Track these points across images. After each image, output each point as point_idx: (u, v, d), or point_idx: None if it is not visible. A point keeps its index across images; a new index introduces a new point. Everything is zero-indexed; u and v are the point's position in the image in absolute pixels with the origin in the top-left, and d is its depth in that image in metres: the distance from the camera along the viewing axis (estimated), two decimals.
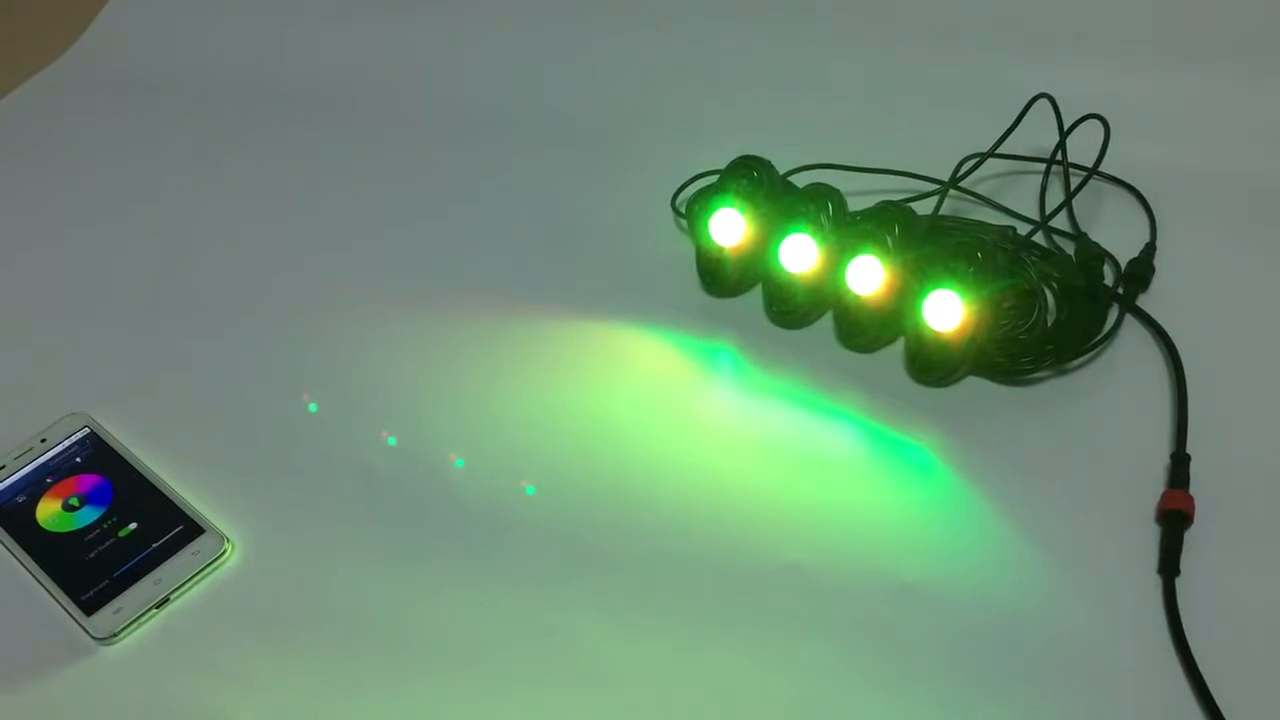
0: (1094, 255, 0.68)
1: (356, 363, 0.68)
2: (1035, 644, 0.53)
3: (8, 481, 0.62)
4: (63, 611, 0.56)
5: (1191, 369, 0.62)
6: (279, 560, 0.58)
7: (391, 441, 0.63)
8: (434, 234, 0.77)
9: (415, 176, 0.82)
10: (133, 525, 0.59)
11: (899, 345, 0.66)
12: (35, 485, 0.61)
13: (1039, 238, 0.70)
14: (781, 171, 0.69)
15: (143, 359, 0.69)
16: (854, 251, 0.63)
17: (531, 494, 0.60)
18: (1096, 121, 0.67)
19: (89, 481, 0.61)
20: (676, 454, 0.62)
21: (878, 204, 0.65)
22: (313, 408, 0.65)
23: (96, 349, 0.70)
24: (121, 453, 0.63)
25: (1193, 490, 0.57)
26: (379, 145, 0.85)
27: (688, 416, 0.64)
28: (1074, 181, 0.70)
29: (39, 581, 0.57)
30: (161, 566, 0.57)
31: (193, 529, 0.59)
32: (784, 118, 0.81)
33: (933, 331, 0.61)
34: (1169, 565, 0.54)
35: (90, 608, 0.56)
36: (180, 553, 0.58)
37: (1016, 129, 0.68)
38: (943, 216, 0.68)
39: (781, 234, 0.65)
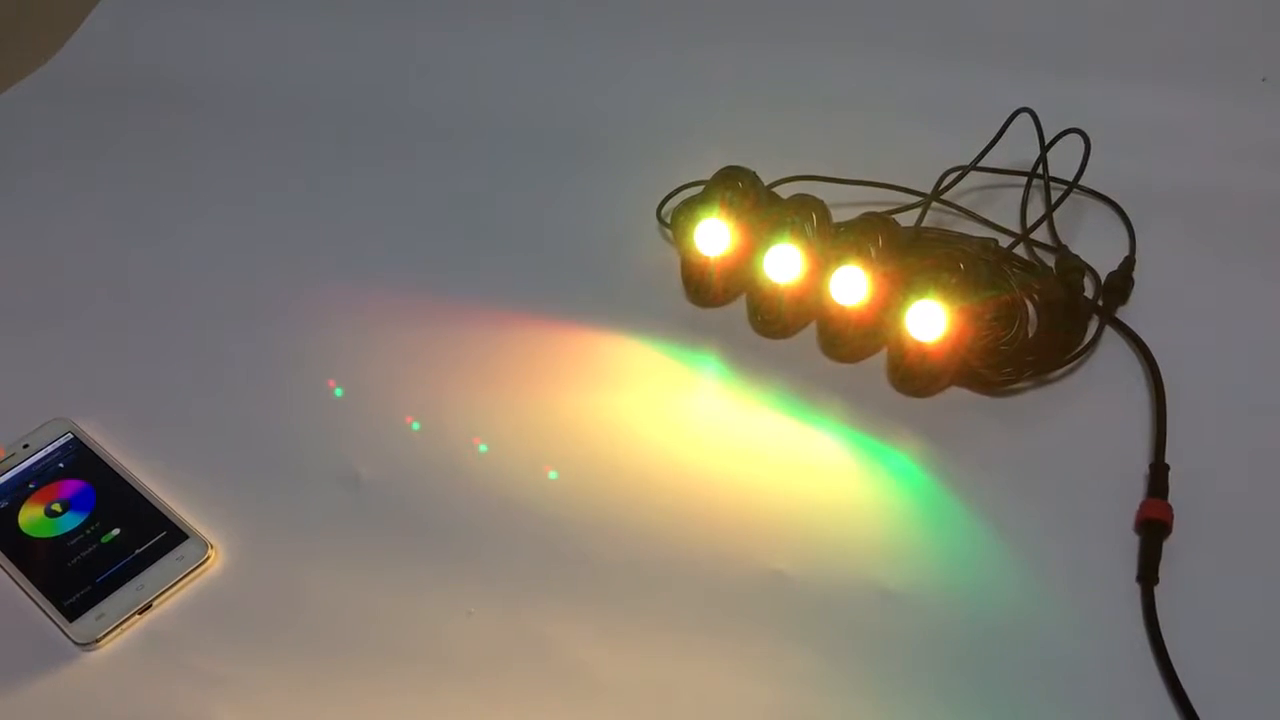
0: (1074, 268, 0.69)
1: (342, 369, 0.68)
2: (1015, 651, 0.53)
3: None
4: (45, 617, 0.56)
5: (1170, 380, 0.63)
6: (262, 566, 0.58)
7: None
8: (422, 241, 0.77)
9: (402, 184, 0.82)
10: (116, 531, 0.59)
11: (882, 356, 0.66)
12: (18, 490, 0.61)
13: (1020, 250, 0.71)
14: (766, 183, 0.69)
15: (127, 364, 0.69)
16: (838, 262, 0.63)
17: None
18: (1077, 136, 0.68)
19: (72, 487, 0.61)
20: (660, 463, 0.62)
21: (861, 215, 0.66)
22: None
23: (81, 354, 0.69)
24: (105, 458, 0.62)
25: (1171, 499, 0.57)
26: (368, 153, 0.85)
27: (672, 426, 0.64)
28: (1055, 195, 0.71)
29: (21, 587, 0.57)
30: (144, 572, 0.57)
31: (176, 535, 0.59)
32: (769, 129, 0.82)
33: (915, 342, 0.62)
34: (1148, 574, 0.55)
35: (73, 613, 0.55)
36: (163, 559, 0.58)
37: (998, 143, 0.68)
38: (925, 228, 0.68)
39: (766, 245, 0.65)
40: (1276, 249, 0.72)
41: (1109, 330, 0.67)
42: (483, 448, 0.63)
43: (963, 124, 0.70)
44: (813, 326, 0.68)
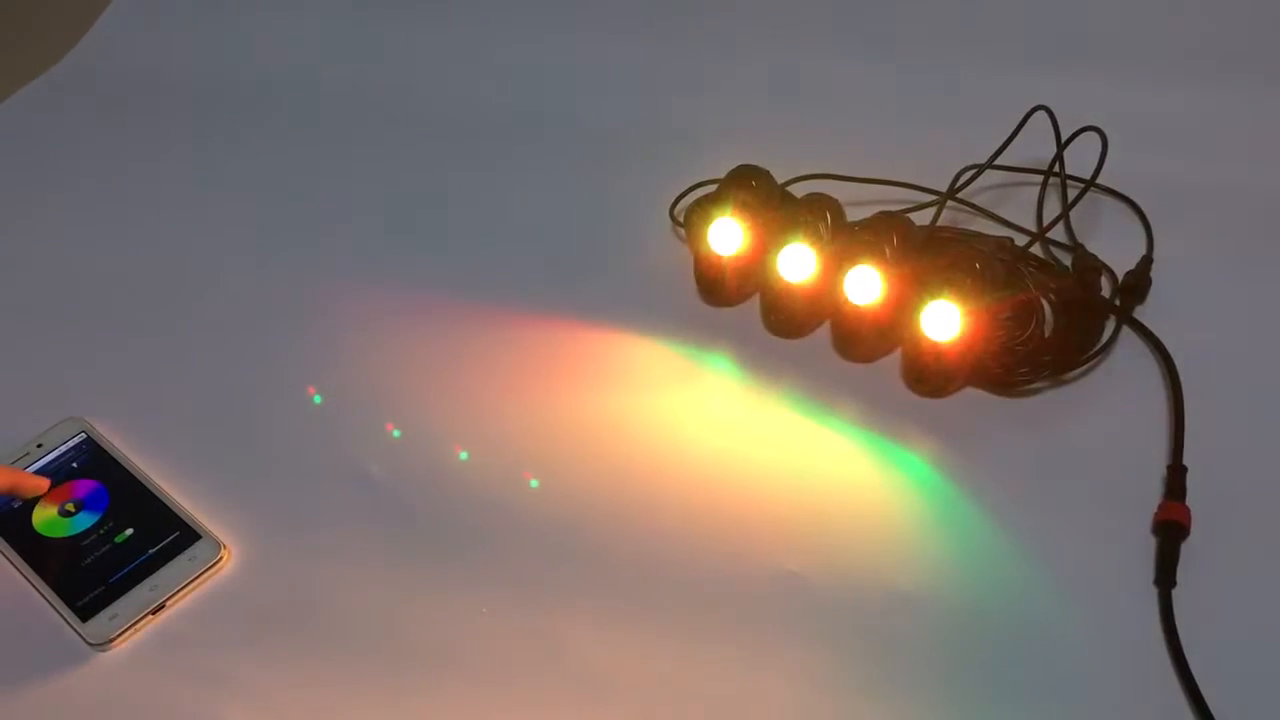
0: (1091, 267, 0.68)
1: (354, 367, 0.68)
2: (1031, 655, 0.53)
3: None
4: (58, 617, 0.56)
5: (1188, 381, 0.62)
6: (275, 566, 0.58)
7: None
8: (432, 239, 0.77)
9: (414, 182, 0.82)
10: (129, 531, 0.59)
11: (896, 356, 0.66)
12: None
13: (1036, 249, 0.70)
14: (780, 181, 0.69)
15: (141, 364, 0.69)
16: (852, 262, 0.63)
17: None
18: (1094, 134, 0.67)
19: (85, 487, 0.61)
20: (673, 463, 0.62)
21: (876, 214, 0.65)
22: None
23: (94, 353, 0.70)
24: (118, 458, 0.63)
25: (1189, 501, 0.57)
26: (378, 150, 0.85)
27: (685, 425, 0.64)
28: (1071, 194, 0.71)
29: (34, 587, 0.57)
30: (158, 572, 0.57)
31: (189, 535, 0.59)
32: (782, 127, 0.81)
33: (930, 342, 0.62)
34: (1165, 576, 0.54)
35: (86, 614, 0.56)
36: (176, 559, 0.58)
37: (1014, 141, 0.68)
38: (941, 227, 0.68)
39: (779, 244, 0.65)
40: None
41: (1126, 330, 0.66)
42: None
43: (978, 122, 0.69)
44: (826, 326, 0.68)
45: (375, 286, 0.73)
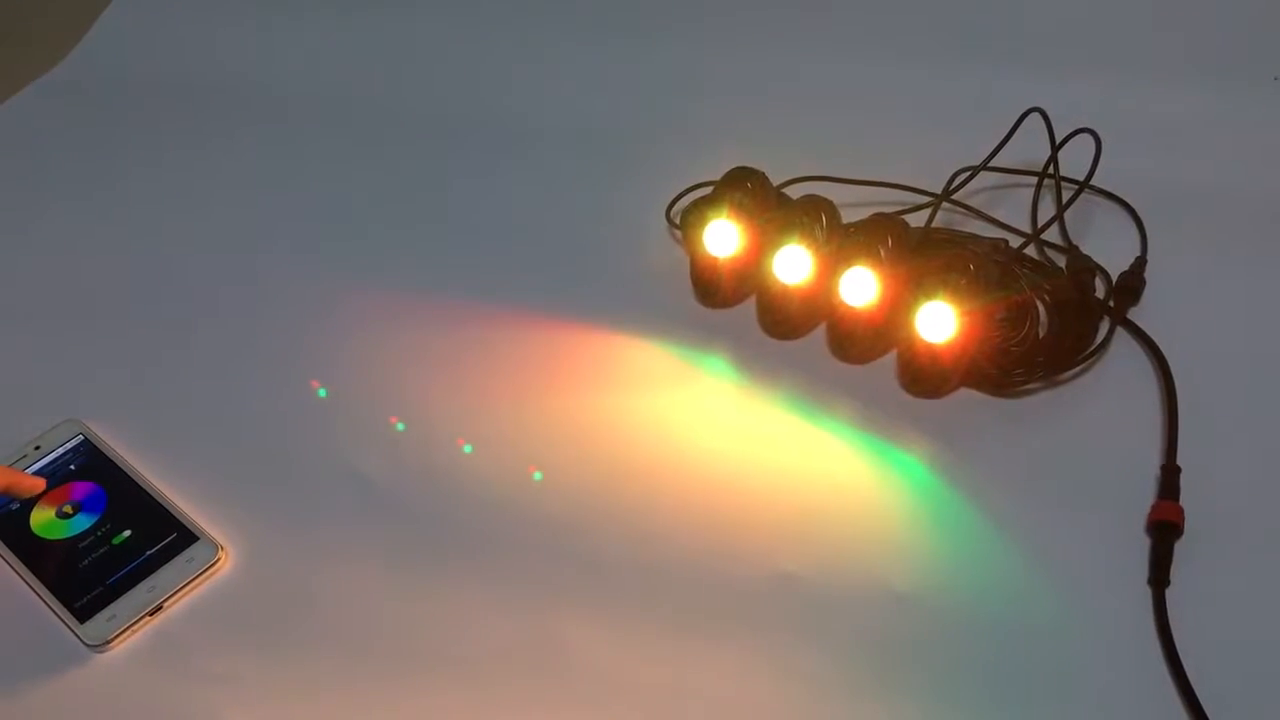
0: (1085, 268, 0.69)
1: (353, 369, 0.68)
2: (1025, 655, 0.53)
3: None
4: (56, 619, 0.56)
5: (1182, 381, 0.63)
6: (273, 567, 0.58)
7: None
8: (431, 240, 0.77)
9: (412, 183, 0.82)
10: (127, 533, 0.59)
11: (892, 357, 0.66)
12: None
13: (1031, 250, 0.71)
14: (775, 183, 0.69)
15: (139, 366, 0.69)
16: (847, 263, 0.63)
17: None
18: (1088, 136, 0.67)
19: (83, 489, 0.61)
20: (669, 465, 0.62)
21: (871, 216, 0.66)
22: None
23: (93, 355, 0.70)
24: (116, 460, 0.63)
25: (1183, 501, 0.57)
26: (377, 151, 0.85)
27: (680, 427, 0.64)
28: (1065, 195, 0.71)
29: (32, 589, 0.57)
30: (155, 574, 0.57)
31: (187, 536, 0.59)
32: (778, 130, 0.82)
33: (925, 343, 0.62)
34: (1159, 576, 0.55)
35: (84, 615, 0.56)
36: (174, 560, 0.58)
37: (1009, 143, 0.68)
38: (935, 229, 0.68)
39: (775, 246, 0.65)
40: None
41: (1120, 331, 0.66)
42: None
43: (973, 124, 0.70)
44: (822, 328, 0.68)
45: (373, 287, 0.73)
